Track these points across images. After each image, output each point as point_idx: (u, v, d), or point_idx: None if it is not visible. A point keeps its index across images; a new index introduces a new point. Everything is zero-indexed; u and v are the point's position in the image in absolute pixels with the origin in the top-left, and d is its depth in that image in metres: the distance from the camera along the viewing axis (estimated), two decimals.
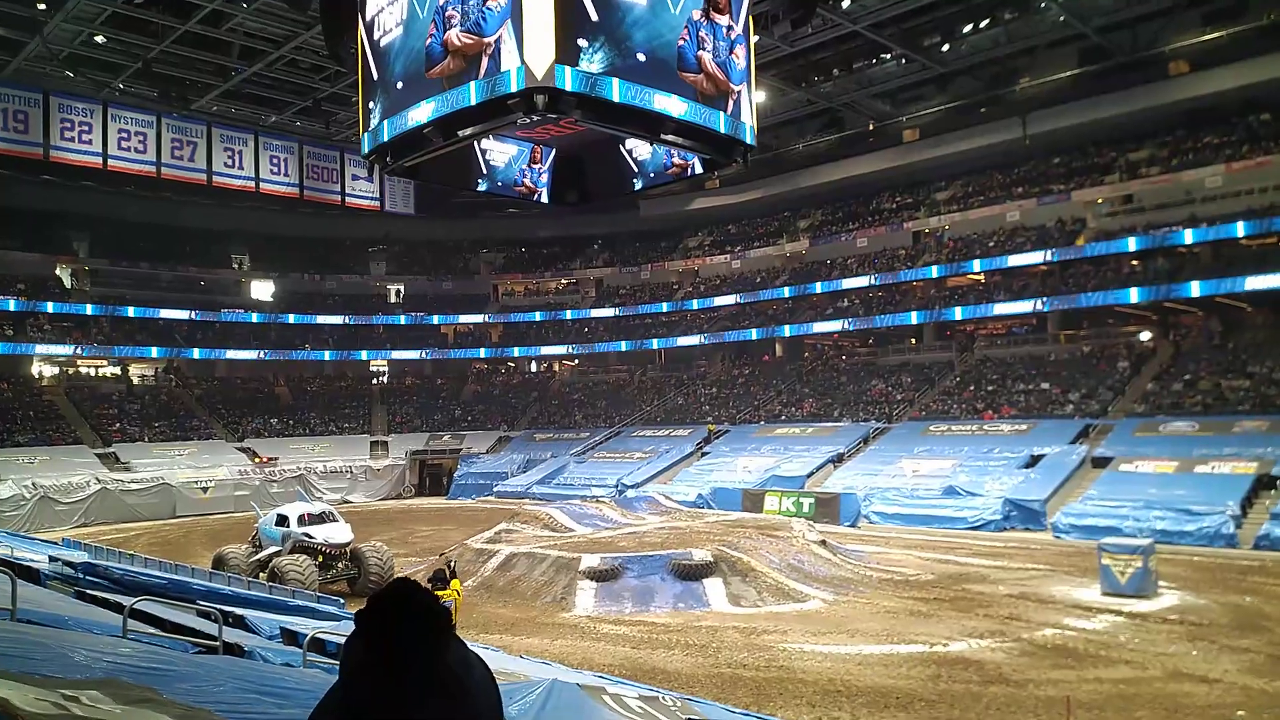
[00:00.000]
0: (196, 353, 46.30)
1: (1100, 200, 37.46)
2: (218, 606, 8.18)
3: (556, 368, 56.36)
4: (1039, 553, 22.48)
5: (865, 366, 43.91)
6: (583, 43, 7.11)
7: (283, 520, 19.71)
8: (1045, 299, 36.76)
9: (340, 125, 38.88)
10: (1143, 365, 34.16)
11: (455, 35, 7.47)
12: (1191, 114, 35.03)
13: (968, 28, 31.20)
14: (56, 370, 44.44)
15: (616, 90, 7.31)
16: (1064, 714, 9.69)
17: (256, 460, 40.73)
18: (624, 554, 19.27)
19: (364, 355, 51.42)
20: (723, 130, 8.24)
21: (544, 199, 10.54)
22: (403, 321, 52.03)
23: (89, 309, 43.65)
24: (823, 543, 21.05)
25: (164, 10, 28.05)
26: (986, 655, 13.30)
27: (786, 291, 45.43)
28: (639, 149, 9.82)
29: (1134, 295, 33.85)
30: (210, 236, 48.61)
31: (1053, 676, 12.10)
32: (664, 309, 50.04)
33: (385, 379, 53.60)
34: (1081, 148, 38.89)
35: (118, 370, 46.68)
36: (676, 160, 9.60)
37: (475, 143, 9.36)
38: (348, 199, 42.36)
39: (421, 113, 7.92)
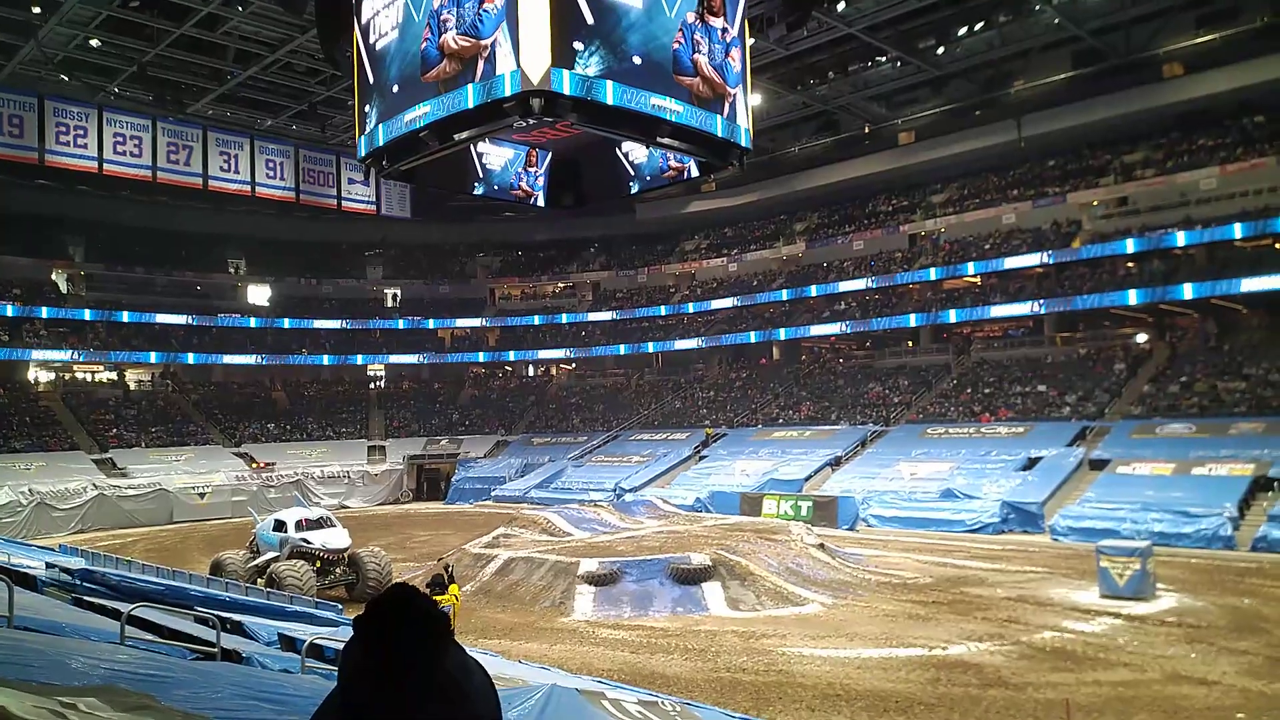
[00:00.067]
0: (192, 358, 46.20)
1: (1095, 202, 37.55)
2: (215, 613, 8.16)
3: (554, 372, 56.34)
4: (1037, 555, 22.48)
5: (862, 369, 43.94)
6: (578, 46, 7.11)
7: (280, 526, 19.66)
8: (1041, 301, 36.81)
9: (336, 129, 38.91)
10: (1139, 367, 34.21)
11: (451, 38, 7.47)
12: (1186, 116, 35.14)
13: (962, 30, 31.31)
14: (52, 376, 44.32)
15: (612, 93, 7.32)
16: (1063, 717, 9.69)
17: (254, 465, 40.65)
18: (622, 558, 19.24)
19: (360, 360, 51.35)
20: (719, 133, 8.25)
21: (540, 202, 10.55)
22: (399, 326, 51.95)
23: (86, 314, 43.57)
24: (821, 546, 21.03)
25: (159, 14, 28.07)
26: (985, 658, 13.29)
27: (785, 294, 45.46)
28: (635, 152, 9.83)
29: (1130, 297, 33.89)
30: (206, 241, 48.54)
31: (1051, 679, 12.09)
32: (661, 312, 50.03)
33: (382, 383, 53.56)
34: (1076, 150, 39.00)
35: (114, 376, 46.59)
36: (673, 163, 9.61)
37: (471, 146, 9.37)
38: (344, 203, 42.37)
39: (417, 116, 7.92)
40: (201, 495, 37.07)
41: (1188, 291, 32.50)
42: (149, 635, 7.56)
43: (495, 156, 9.96)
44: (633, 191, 10.40)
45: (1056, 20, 30.16)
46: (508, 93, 7.10)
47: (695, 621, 16.49)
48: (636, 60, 7.49)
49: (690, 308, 49.07)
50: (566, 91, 7.05)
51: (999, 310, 38.32)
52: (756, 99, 32.82)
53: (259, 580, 18.09)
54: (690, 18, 7.89)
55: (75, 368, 45.34)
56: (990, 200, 41.05)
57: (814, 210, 48.55)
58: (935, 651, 13.68)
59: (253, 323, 48.61)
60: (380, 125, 8.51)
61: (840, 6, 28.14)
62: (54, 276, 44.96)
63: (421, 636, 1.47)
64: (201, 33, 29.23)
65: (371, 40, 8.51)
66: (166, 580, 13.17)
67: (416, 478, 44.89)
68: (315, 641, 7.79)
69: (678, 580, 17.93)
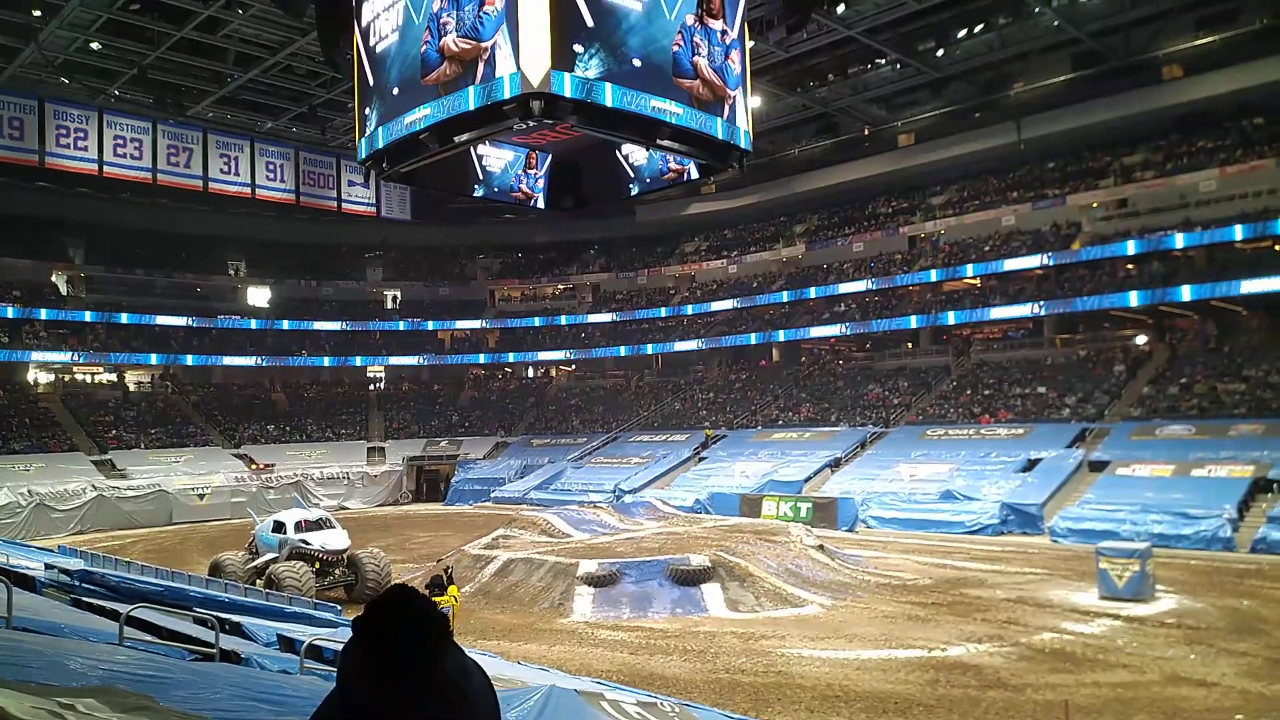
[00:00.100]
0: (191, 359, 46.13)
1: (1095, 204, 37.57)
2: (214, 614, 8.16)
3: (553, 373, 56.33)
4: (1036, 557, 22.48)
5: (862, 371, 43.95)
6: (578, 48, 7.13)
7: (279, 527, 19.65)
8: (1041, 303, 36.81)
9: (336, 131, 38.92)
10: (1139, 369, 34.22)
11: (452, 41, 7.48)
12: (1185, 118, 35.18)
13: (962, 33, 31.32)
14: (52, 377, 44.31)
15: (612, 96, 7.33)
16: (1062, 718, 9.69)
17: (253, 467, 40.64)
18: (622, 559, 19.23)
19: (360, 361, 51.34)
20: (719, 135, 8.26)
21: (540, 204, 10.57)
22: (399, 327, 51.94)
23: (89, 316, 43.56)
24: (820, 547, 21.02)
25: (159, 17, 28.07)
26: (984, 660, 13.29)
27: (784, 296, 45.46)
28: (635, 154, 9.85)
29: (1130, 299, 33.88)
30: (206, 243, 48.56)
31: (1051, 681, 12.09)
32: (661, 314, 50.03)
33: (382, 385, 53.54)
34: (1076, 152, 39.02)
35: (114, 377, 46.58)
36: (672, 165, 9.63)
37: (471, 148, 9.38)
38: (344, 205, 42.43)
39: (417, 118, 7.94)
40: (201, 496, 37.05)
41: (1187, 293, 32.51)
42: (148, 636, 7.56)
43: (495, 159, 9.97)
44: (632, 193, 10.41)
45: (1056, 22, 30.19)
46: (508, 95, 7.11)
47: (694, 623, 16.48)
48: (636, 63, 7.51)
49: (690, 309, 49.06)
50: (567, 94, 7.07)
51: (999, 312, 38.33)
52: (756, 101, 32.87)
53: (258, 581, 18.08)
54: (689, 20, 7.91)
55: (75, 369, 45.33)
56: (990, 202, 41.07)
57: (814, 212, 48.58)
58: (934, 653, 13.68)
59: (253, 324, 48.58)
60: (380, 127, 8.53)
61: (840, 9, 28.16)
62: (54, 278, 44.96)
63: (420, 638, 1.48)
64: (202, 35, 29.24)
65: (372, 43, 8.53)
66: (165, 581, 13.17)
67: (416, 479, 44.88)
68: (314, 642, 7.79)
69: (677, 581, 17.92)
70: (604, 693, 7.29)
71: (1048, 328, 39.00)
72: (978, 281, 40.77)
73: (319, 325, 50.22)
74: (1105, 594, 16.93)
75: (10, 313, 40.71)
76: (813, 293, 44.48)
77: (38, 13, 27.49)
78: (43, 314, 42.21)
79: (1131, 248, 34.36)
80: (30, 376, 43.44)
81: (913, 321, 40.89)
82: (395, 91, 8.25)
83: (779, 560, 19.51)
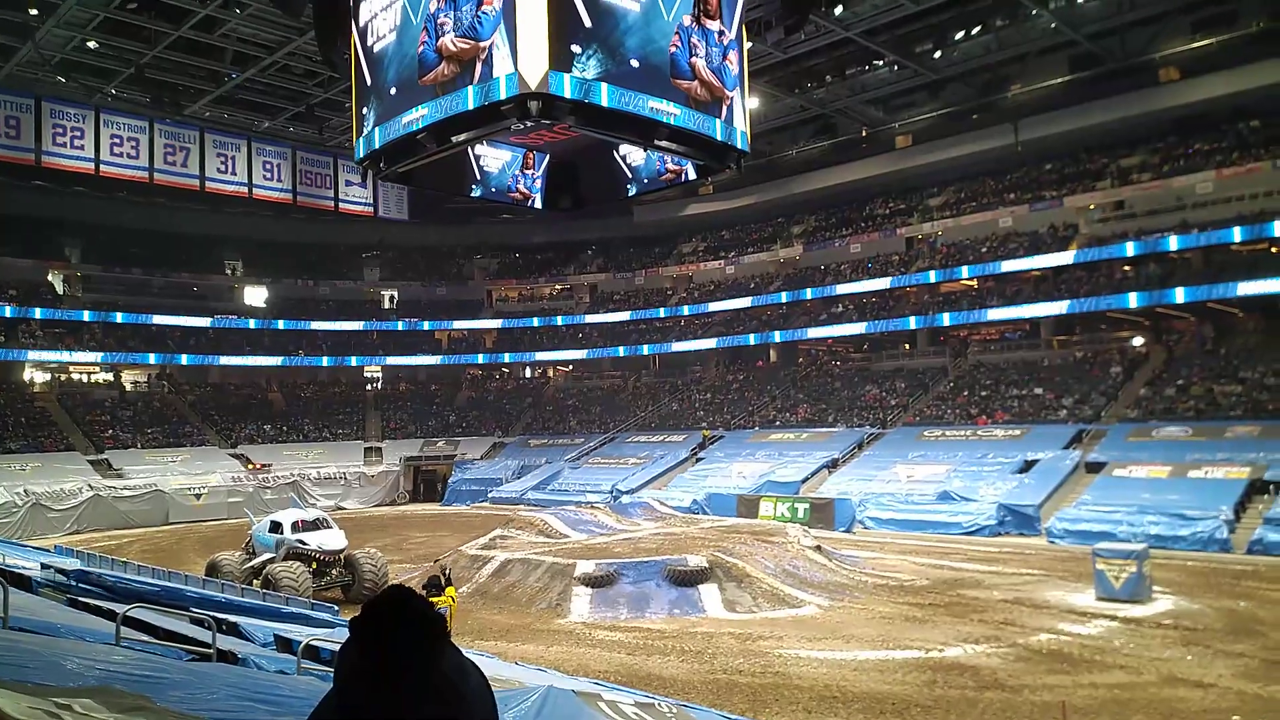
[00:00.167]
0: (188, 359, 45.95)
1: (1092, 206, 37.63)
2: (211, 614, 8.14)
3: (551, 373, 56.31)
4: (1033, 558, 22.50)
5: (859, 372, 43.98)
6: (576, 49, 7.12)
7: (276, 527, 19.63)
8: (1038, 304, 36.85)
9: (333, 131, 38.91)
10: (1135, 370, 34.27)
11: (450, 40, 7.48)
12: (1182, 120, 35.24)
13: (960, 35, 31.38)
14: (48, 377, 44.22)
15: (610, 96, 7.33)
16: (1059, 719, 9.70)
17: (250, 467, 40.59)
18: (619, 560, 19.23)
19: (357, 361, 51.26)
20: (717, 136, 8.26)
21: (538, 204, 10.56)
22: (397, 327, 51.87)
23: (85, 315, 43.46)
24: (818, 548, 21.04)
25: (156, 16, 28.05)
26: (982, 660, 13.30)
27: (784, 297, 45.46)
28: (633, 155, 9.84)
29: (1128, 301, 33.92)
30: (203, 242, 48.50)
31: (1048, 682, 12.10)
32: (659, 314, 50.03)
33: (379, 385, 53.48)
34: (1073, 154, 39.07)
35: (110, 376, 46.49)
36: (670, 166, 9.62)
37: (469, 148, 9.38)
38: (341, 204, 42.44)
39: (415, 118, 7.93)
40: (197, 496, 37.00)
41: (1184, 295, 32.54)
42: (144, 636, 7.55)
43: (493, 159, 9.97)
44: (630, 194, 10.41)
45: (1053, 25, 30.23)
46: (506, 96, 7.11)
47: (692, 623, 16.49)
48: (634, 63, 7.50)
49: (687, 310, 49.07)
50: (565, 95, 7.06)
51: (996, 313, 38.37)
52: (754, 102, 32.93)
53: (255, 581, 18.07)
54: (687, 20, 7.90)
55: (71, 368, 45.27)
56: (987, 204, 41.12)
57: (811, 213, 48.60)
58: (932, 654, 13.69)
59: (250, 324, 48.50)
60: (378, 127, 8.52)
61: (838, 10, 28.19)
62: (50, 277, 44.86)
63: (418, 638, 1.48)
64: (199, 35, 29.22)
65: (369, 43, 8.52)
66: (162, 581, 13.14)
67: (413, 479, 44.84)
68: (311, 643, 7.78)
69: (674, 582, 17.92)
70: (601, 693, 7.28)
71: (1045, 329, 39.05)
72: (975, 283, 40.81)
73: (316, 325, 50.15)
74: (1102, 595, 16.95)
75: (7, 312, 40.60)
76: (809, 294, 44.48)
77: (34, 11, 27.46)
78: (38, 313, 42.08)
79: (1130, 249, 34.41)
80: (26, 376, 43.36)
81: (911, 323, 40.91)
82: (393, 91, 8.25)
83: (776, 561, 19.52)
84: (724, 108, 8.30)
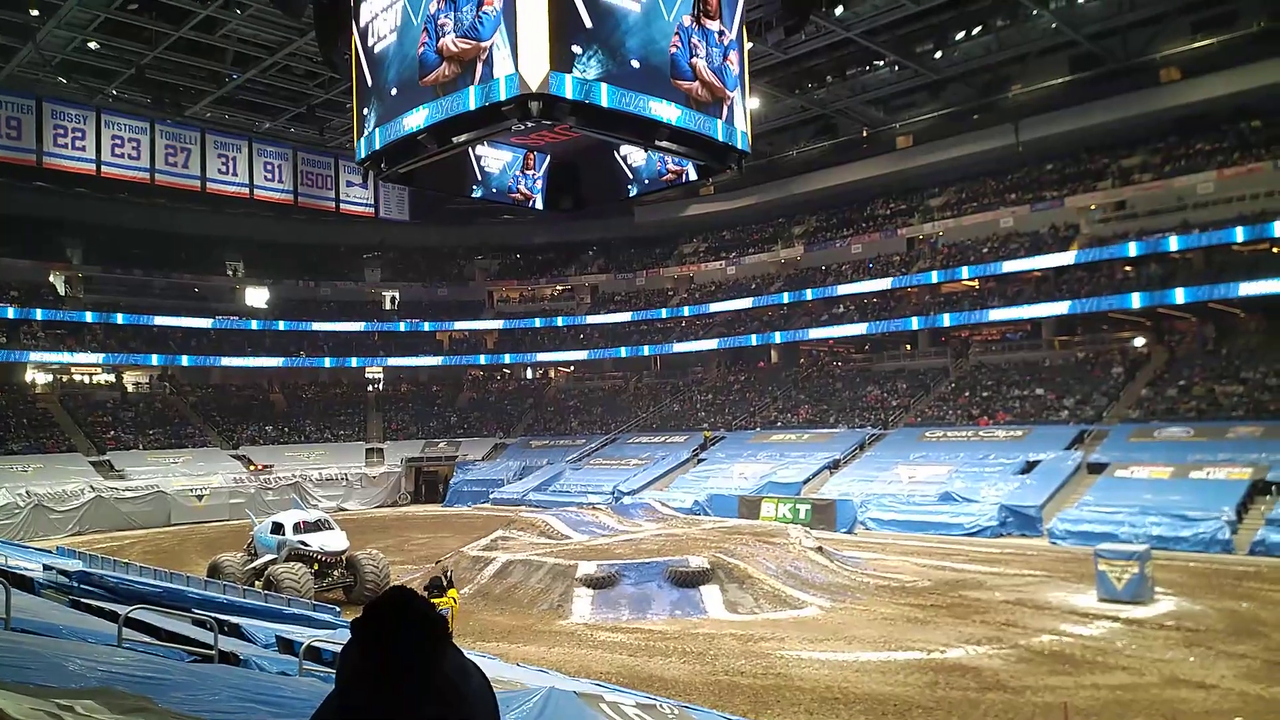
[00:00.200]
0: (186, 360, 45.88)
1: (1093, 206, 37.61)
2: (213, 615, 8.14)
3: (552, 374, 56.33)
4: (1035, 559, 22.49)
5: (861, 373, 43.97)
6: (577, 49, 7.12)
7: (278, 528, 19.63)
8: (1039, 305, 36.83)
9: (334, 132, 38.92)
10: (1137, 371, 34.25)
11: (450, 41, 7.48)
12: (1183, 120, 35.22)
13: (960, 35, 31.37)
14: (50, 378, 44.26)
15: (611, 97, 7.33)
16: None
17: (252, 468, 40.59)
18: (621, 561, 19.22)
19: (359, 362, 51.26)
20: (717, 136, 8.26)
21: (538, 205, 10.56)
22: (398, 328, 51.90)
23: (89, 316, 43.50)
24: (819, 549, 21.02)
25: (157, 16, 28.07)
26: (984, 662, 13.29)
27: (786, 297, 45.44)
28: (634, 155, 9.84)
29: (1129, 301, 33.90)
30: (204, 243, 48.54)
31: (1050, 683, 12.09)
32: (660, 315, 50.04)
33: (381, 386, 53.50)
34: (1074, 154, 39.05)
35: (112, 378, 46.52)
36: (671, 167, 9.62)
37: (470, 149, 9.38)
38: (342, 205, 42.46)
39: (416, 119, 7.93)
40: (199, 497, 37.00)
41: (1186, 295, 32.50)
42: (146, 637, 7.55)
43: (493, 159, 9.97)
44: (631, 194, 10.41)
45: (1054, 25, 30.21)
46: (507, 96, 7.11)
47: (693, 624, 16.48)
48: (635, 64, 7.50)
49: (688, 311, 49.07)
50: (566, 95, 7.06)
51: (997, 314, 38.36)
52: (755, 103, 32.93)
53: (256, 583, 18.05)
54: (686, 21, 7.90)
55: (73, 370, 45.30)
56: (988, 204, 41.10)
57: (812, 213, 48.60)
58: (933, 655, 13.67)
59: (251, 325, 48.52)
60: (379, 128, 8.52)
61: (838, 11, 28.18)
62: (52, 278, 44.91)
63: (419, 639, 1.48)
64: (200, 35, 29.24)
65: (370, 44, 8.52)
66: (164, 582, 13.14)
67: (414, 480, 44.84)
68: (313, 644, 7.78)
69: (676, 583, 17.91)
70: (603, 694, 7.28)
71: (1046, 330, 39.03)
72: (976, 283, 40.80)
73: (317, 326, 50.17)
74: (1104, 596, 16.94)
75: (9, 313, 40.64)
76: (810, 294, 44.45)
77: (35, 12, 27.48)
78: (40, 314, 42.10)
79: (1131, 249, 34.38)
80: (28, 377, 43.40)
81: (915, 323, 40.88)
82: (394, 92, 8.25)
83: (778, 562, 19.51)
84: (725, 108, 8.30)
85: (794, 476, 33.35)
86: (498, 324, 53.79)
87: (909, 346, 43.96)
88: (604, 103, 7.29)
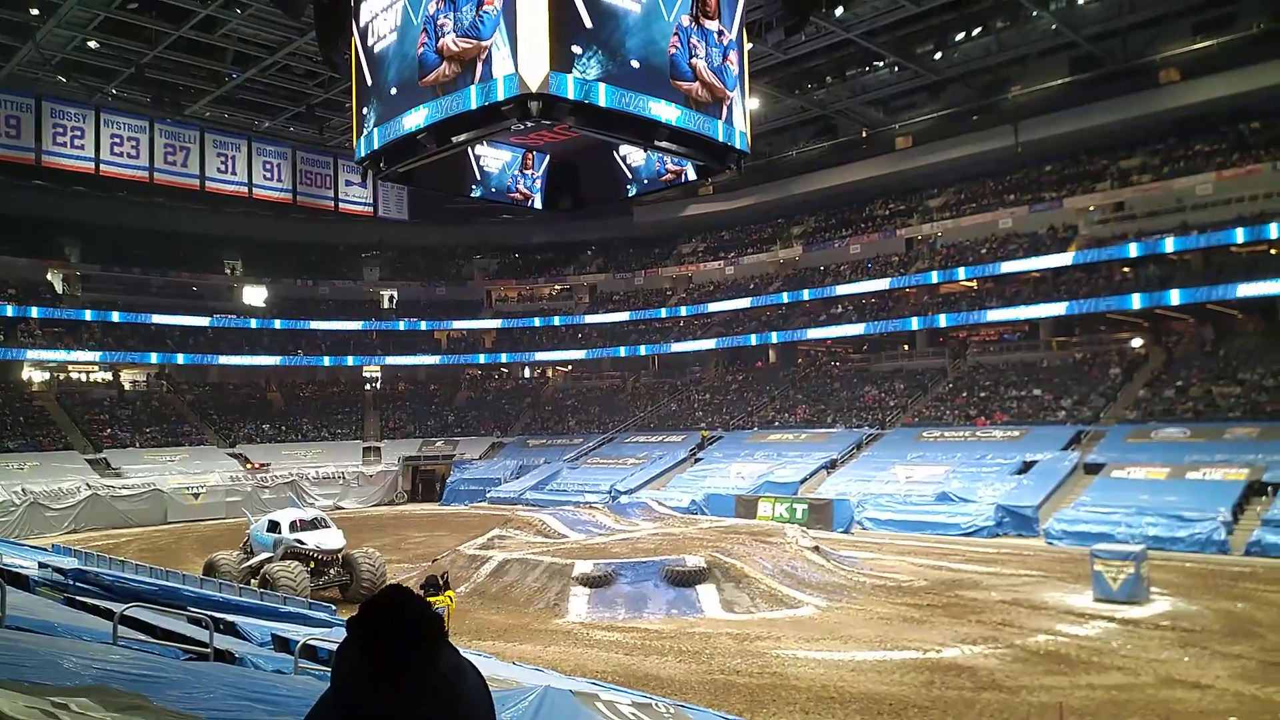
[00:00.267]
0: (183, 358, 45.85)
1: (1092, 207, 37.64)
2: (209, 613, 8.14)
3: (550, 374, 56.33)
4: (1031, 559, 22.51)
5: (858, 373, 43.99)
6: (577, 49, 7.13)
7: (274, 526, 19.62)
8: (1037, 305, 36.87)
9: (334, 131, 38.91)
10: (1135, 372, 34.28)
11: (450, 41, 7.48)
12: (1182, 122, 35.24)
13: (960, 36, 31.40)
14: (47, 376, 44.22)
15: (611, 97, 7.33)
16: None
17: (248, 466, 40.58)
18: (617, 560, 19.23)
19: (356, 361, 51.24)
20: (717, 137, 8.27)
21: (537, 205, 10.57)
22: (396, 327, 51.88)
23: (86, 314, 43.46)
24: (816, 549, 21.04)
25: (157, 16, 28.06)
26: (979, 661, 13.30)
27: (785, 297, 45.46)
28: (633, 155, 9.85)
29: (1128, 302, 33.94)
30: (203, 242, 48.48)
31: (1045, 683, 12.11)
32: (659, 315, 50.05)
33: (378, 385, 53.47)
34: (1073, 155, 39.07)
35: (109, 376, 46.47)
36: (670, 167, 9.63)
37: (469, 149, 9.38)
38: (341, 204, 42.47)
39: (415, 119, 7.93)
40: (196, 496, 36.98)
41: (1183, 297, 32.55)
42: (142, 636, 7.54)
43: (493, 159, 9.97)
44: (630, 195, 10.42)
45: (1054, 26, 30.24)
46: (507, 96, 7.11)
47: (690, 624, 16.48)
48: (635, 64, 7.51)
49: (687, 310, 49.08)
50: (565, 95, 7.07)
51: (995, 314, 38.40)
52: (754, 103, 32.93)
53: (253, 581, 18.05)
54: (686, 21, 7.91)
55: (70, 368, 45.24)
56: (987, 205, 41.13)
57: (811, 214, 48.61)
58: (929, 654, 13.69)
59: (250, 324, 48.50)
60: (378, 128, 8.53)
61: (838, 12, 28.20)
62: (50, 277, 44.85)
63: (415, 638, 1.48)
64: (200, 35, 29.23)
65: (370, 43, 8.52)
66: (159, 580, 13.13)
67: (412, 479, 44.83)
68: (309, 642, 7.77)
69: (672, 582, 17.92)
70: (599, 693, 7.28)
71: (1044, 330, 39.08)
72: (974, 284, 40.84)
73: (315, 325, 50.15)
74: (1100, 596, 16.96)
75: (6, 311, 40.59)
76: (809, 294, 44.47)
77: (35, 11, 27.45)
78: (37, 312, 42.03)
79: (1131, 251, 34.42)
80: (25, 375, 43.38)
81: (914, 324, 40.90)
82: (393, 92, 8.25)
83: (774, 561, 19.52)
84: (724, 108, 8.31)
85: (791, 476, 33.36)
86: (496, 323, 53.78)
87: (907, 347, 43.98)
88: (604, 103, 7.29)
